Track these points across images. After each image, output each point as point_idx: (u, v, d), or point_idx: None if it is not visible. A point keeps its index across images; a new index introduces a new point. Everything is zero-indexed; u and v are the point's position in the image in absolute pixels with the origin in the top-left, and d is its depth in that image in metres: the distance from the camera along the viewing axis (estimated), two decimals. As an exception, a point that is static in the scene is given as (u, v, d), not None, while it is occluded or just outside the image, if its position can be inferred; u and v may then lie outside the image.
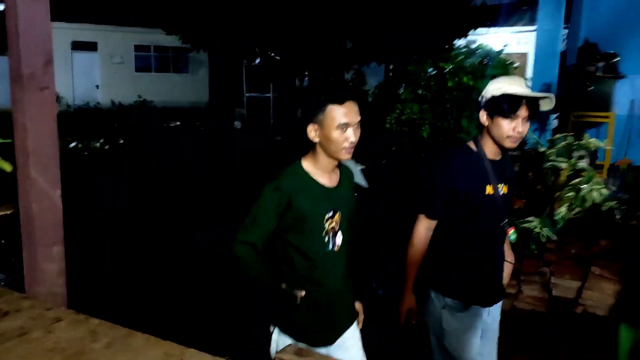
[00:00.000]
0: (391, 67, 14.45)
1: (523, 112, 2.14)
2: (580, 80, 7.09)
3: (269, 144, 10.95)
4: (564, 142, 4.79)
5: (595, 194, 4.13)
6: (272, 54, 14.46)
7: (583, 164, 4.45)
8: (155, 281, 4.38)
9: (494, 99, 2.18)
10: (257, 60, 15.84)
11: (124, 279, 4.40)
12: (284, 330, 2.04)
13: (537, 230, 4.00)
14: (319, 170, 2.00)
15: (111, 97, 18.91)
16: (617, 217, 4.41)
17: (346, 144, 1.90)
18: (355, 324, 2.18)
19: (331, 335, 2.07)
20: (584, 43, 7.26)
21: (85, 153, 8.32)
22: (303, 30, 12.01)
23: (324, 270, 2.00)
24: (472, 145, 2.29)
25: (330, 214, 1.99)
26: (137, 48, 22.44)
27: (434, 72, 4.72)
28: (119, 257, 4.83)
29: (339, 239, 2.02)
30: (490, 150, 2.24)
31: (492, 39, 13.86)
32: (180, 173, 8.08)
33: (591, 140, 4.66)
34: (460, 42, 12.45)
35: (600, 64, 7.04)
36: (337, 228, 2.01)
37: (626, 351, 0.83)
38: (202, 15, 11.80)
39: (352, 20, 11.76)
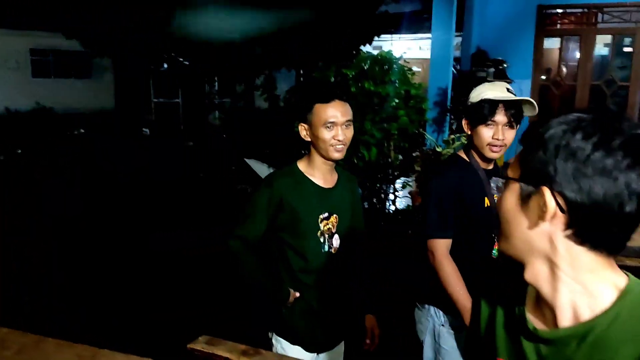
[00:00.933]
0: (301, 72, 14.69)
1: (501, 117, 2.02)
2: (473, 84, 7.60)
3: (180, 150, 10.78)
4: (459, 142, 5.21)
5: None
6: (181, 59, 14.21)
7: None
8: (115, 285, 4.34)
9: (472, 106, 2.07)
10: (165, 66, 15.49)
11: (73, 286, 4.28)
12: (279, 333, 2.02)
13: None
14: (314, 170, 1.99)
15: (5, 103, 17.67)
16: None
17: (334, 142, 1.89)
18: (342, 344, 2.13)
19: (324, 343, 2.05)
20: (476, 50, 7.81)
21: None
22: (211, 34, 11.93)
23: (320, 272, 1.97)
24: (462, 155, 2.17)
25: (325, 215, 1.97)
26: (34, 52, 21.10)
27: (338, 78, 4.94)
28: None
29: (335, 241, 2.00)
30: (480, 160, 2.13)
31: (396, 45, 14.53)
32: (94, 182, 7.78)
33: (483, 140, 5.06)
34: (367, 48, 12.95)
35: (491, 70, 7.57)
36: (333, 230, 1.99)
37: (485, 322, 1.01)
38: (102, 20, 11.39)
39: (260, 25, 11.84)
